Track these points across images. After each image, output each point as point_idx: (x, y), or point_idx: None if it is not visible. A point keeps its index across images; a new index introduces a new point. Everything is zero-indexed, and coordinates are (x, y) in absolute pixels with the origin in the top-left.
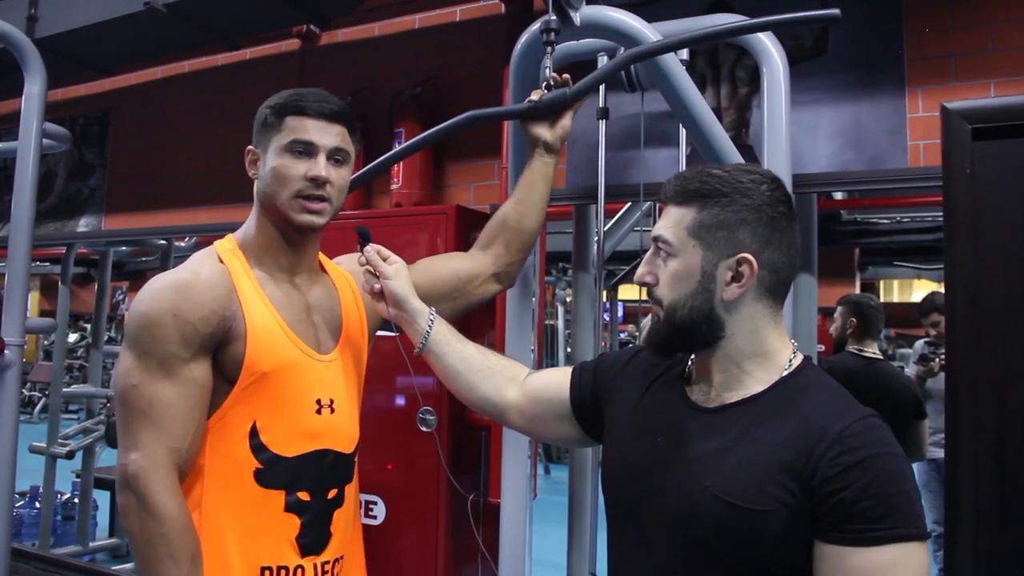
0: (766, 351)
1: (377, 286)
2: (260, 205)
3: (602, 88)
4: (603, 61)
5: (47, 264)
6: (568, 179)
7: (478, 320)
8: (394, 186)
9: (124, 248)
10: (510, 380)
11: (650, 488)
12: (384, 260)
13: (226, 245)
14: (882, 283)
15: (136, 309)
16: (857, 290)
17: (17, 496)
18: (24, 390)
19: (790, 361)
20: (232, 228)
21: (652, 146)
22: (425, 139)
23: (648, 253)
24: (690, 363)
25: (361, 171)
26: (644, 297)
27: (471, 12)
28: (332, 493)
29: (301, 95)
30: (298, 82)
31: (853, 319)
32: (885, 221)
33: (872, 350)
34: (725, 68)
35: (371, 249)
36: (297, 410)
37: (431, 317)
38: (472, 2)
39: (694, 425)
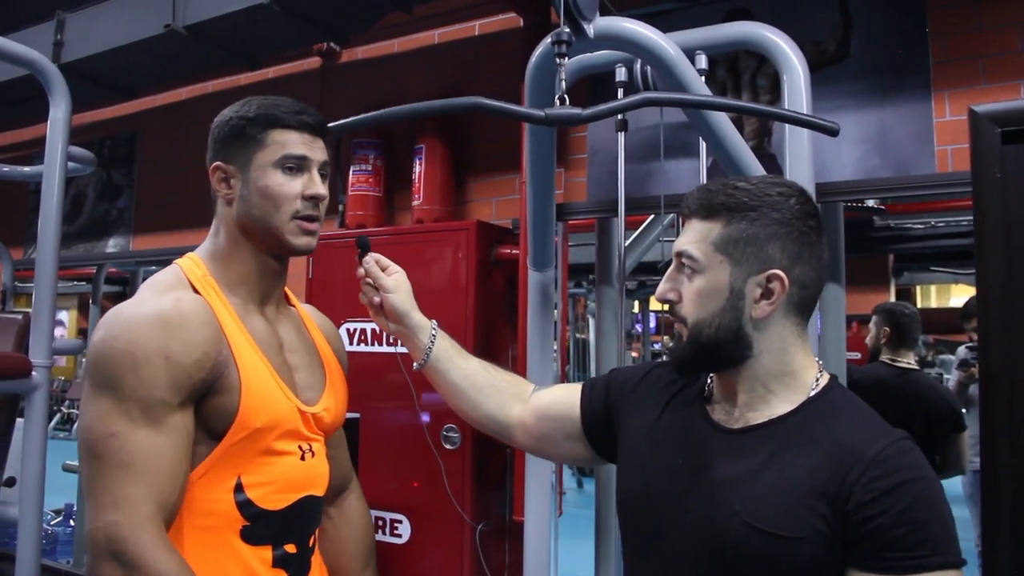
0: (793, 370)
1: (377, 299)
2: (240, 228)
3: (620, 97)
4: (621, 72)
5: (83, 283)
6: (589, 192)
7: (500, 333)
8: (415, 203)
9: (154, 267)
10: (515, 397)
11: (672, 512)
12: (384, 270)
13: (196, 271)
14: (919, 289)
15: (112, 345)
16: (892, 297)
17: (52, 514)
18: (63, 408)
19: (816, 380)
20: None
21: (673, 157)
22: (423, 108)
23: (670, 269)
24: (710, 381)
25: (346, 121)
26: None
27: (490, 27)
28: (311, 540)
29: (277, 105)
30: (319, 99)
31: (887, 328)
32: (919, 226)
33: (907, 360)
34: (746, 76)
35: (370, 260)
36: (283, 461)
37: (433, 332)
38: (490, 16)
39: (718, 447)
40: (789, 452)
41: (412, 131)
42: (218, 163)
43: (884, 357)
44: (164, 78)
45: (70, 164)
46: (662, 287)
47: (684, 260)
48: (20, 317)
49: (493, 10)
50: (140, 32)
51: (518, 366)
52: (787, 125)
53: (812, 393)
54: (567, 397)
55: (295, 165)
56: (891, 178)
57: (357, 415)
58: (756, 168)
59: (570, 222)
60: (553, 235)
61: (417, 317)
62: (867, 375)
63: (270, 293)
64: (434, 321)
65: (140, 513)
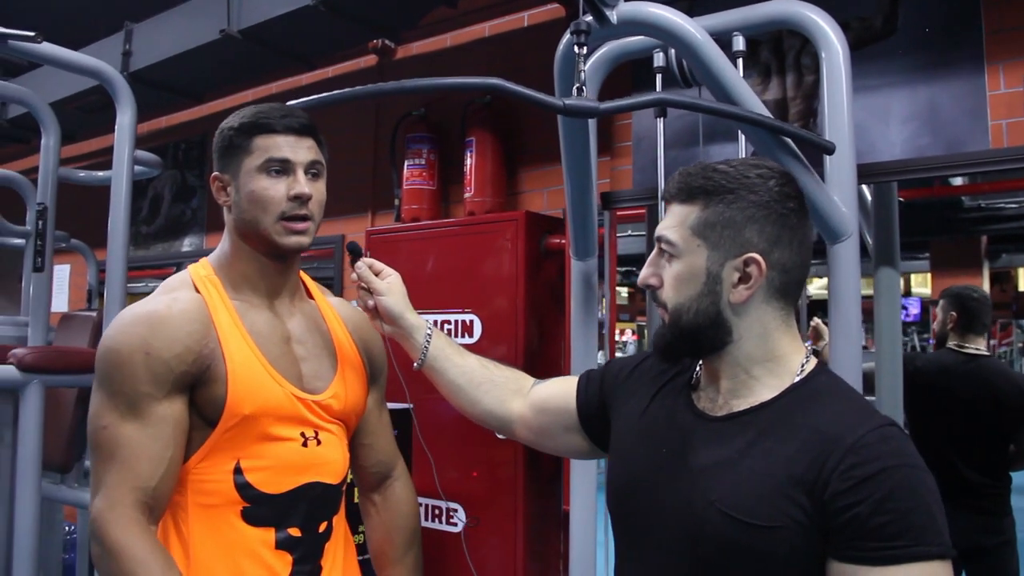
0: (776, 356)
1: (371, 303)
2: (237, 233)
3: (659, 83)
4: (659, 58)
5: None
6: (635, 180)
7: (552, 323)
8: (467, 195)
9: None
10: (515, 392)
11: (654, 502)
12: (377, 275)
13: (201, 271)
14: (1022, 271)
15: (105, 344)
16: (985, 281)
17: None
18: None
19: (802, 366)
20: (322, 241)
21: (717, 142)
22: (439, 84)
23: (652, 254)
24: (698, 368)
25: (317, 97)
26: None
27: (538, 17)
28: (322, 527)
29: (264, 112)
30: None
31: (954, 313)
32: (1013, 205)
33: (975, 346)
34: (790, 57)
35: (362, 264)
36: (282, 446)
37: (429, 331)
38: (538, 7)
39: (699, 434)
40: (768, 439)
41: (463, 124)
42: (215, 173)
43: (951, 343)
44: (226, 81)
45: (137, 167)
46: (644, 272)
47: (663, 245)
48: (95, 315)
49: (538, 1)
50: (199, 38)
51: (566, 356)
52: (827, 107)
53: (797, 379)
54: (564, 390)
55: (279, 167)
56: (941, 156)
57: (410, 406)
58: (792, 153)
59: (620, 211)
60: (594, 224)
61: (412, 318)
62: (931, 362)
63: (278, 289)
64: (430, 321)
65: (114, 498)
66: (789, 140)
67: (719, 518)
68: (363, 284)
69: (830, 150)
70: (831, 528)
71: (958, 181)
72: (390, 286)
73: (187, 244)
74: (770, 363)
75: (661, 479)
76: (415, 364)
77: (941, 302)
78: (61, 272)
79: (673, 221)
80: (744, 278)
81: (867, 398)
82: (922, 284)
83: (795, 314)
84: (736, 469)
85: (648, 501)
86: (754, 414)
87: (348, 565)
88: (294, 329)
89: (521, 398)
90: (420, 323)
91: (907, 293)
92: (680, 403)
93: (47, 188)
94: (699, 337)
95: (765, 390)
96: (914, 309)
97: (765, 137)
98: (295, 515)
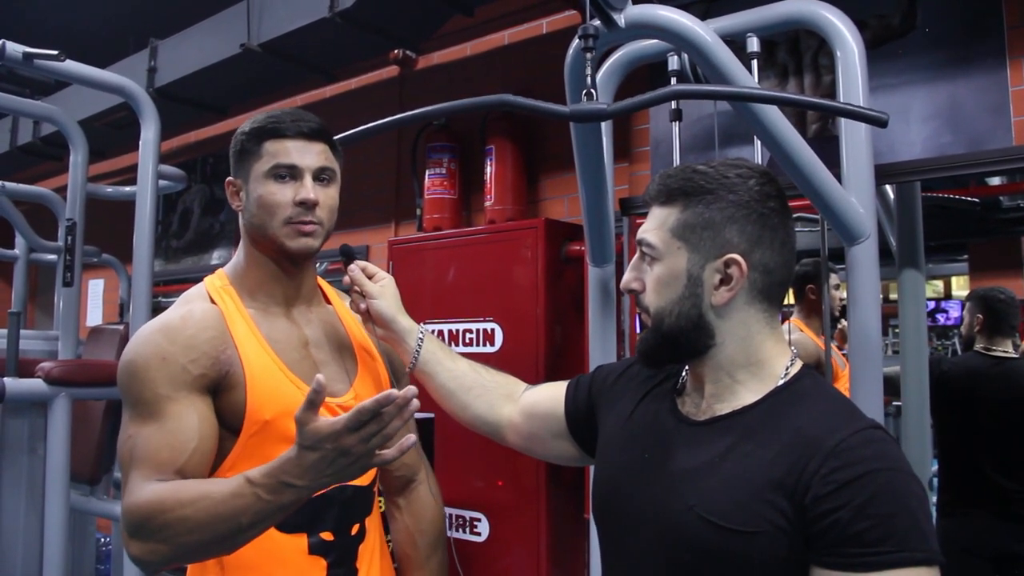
0: (760, 359)
1: (363, 305)
2: (249, 238)
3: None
4: (673, 61)
5: None
6: None
7: (573, 330)
8: (487, 203)
9: None
10: (505, 397)
11: (634, 508)
12: (371, 277)
13: (216, 282)
14: None
15: (123, 360)
16: None
17: None
18: None
19: (787, 370)
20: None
21: (735, 144)
22: (447, 109)
23: (635, 258)
24: (684, 373)
25: (351, 132)
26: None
27: (557, 23)
28: (355, 529)
29: (276, 117)
30: (399, 106)
31: (980, 315)
32: None
33: (1003, 348)
34: (807, 57)
35: (355, 268)
36: None
37: (421, 335)
38: (556, 14)
39: (681, 439)
40: (749, 443)
41: (483, 133)
42: (229, 179)
43: (978, 346)
44: (250, 95)
45: (162, 182)
46: (626, 276)
47: (643, 248)
48: (122, 327)
49: (556, 8)
50: (221, 53)
51: (586, 364)
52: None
53: (780, 382)
54: (553, 395)
55: (286, 173)
56: (962, 155)
57: (431, 415)
58: (805, 154)
59: (639, 218)
60: (611, 230)
61: (404, 322)
62: (958, 365)
63: (293, 295)
64: (422, 325)
65: (137, 485)
66: (801, 143)
67: (698, 523)
68: (356, 287)
69: (883, 123)
70: (812, 533)
71: (995, 181)
72: (383, 289)
73: (216, 257)
74: (753, 367)
75: (642, 484)
76: (407, 368)
77: (967, 304)
78: (95, 287)
79: (653, 224)
80: (725, 280)
81: (894, 403)
82: (964, 287)
83: (822, 317)
84: (716, 473)
85: (629, 507)
86: (736, 418)
87: (384, 566)
88: (312, 334)
89: (512, 403)
90: (412, 327)
91: (947, 296)
92: (664, 408)
93: (76, 204)
94: (681, 341)
95: (748, 394)
96: (955, 312)
97: (777, 139)
98: (327, 519)
